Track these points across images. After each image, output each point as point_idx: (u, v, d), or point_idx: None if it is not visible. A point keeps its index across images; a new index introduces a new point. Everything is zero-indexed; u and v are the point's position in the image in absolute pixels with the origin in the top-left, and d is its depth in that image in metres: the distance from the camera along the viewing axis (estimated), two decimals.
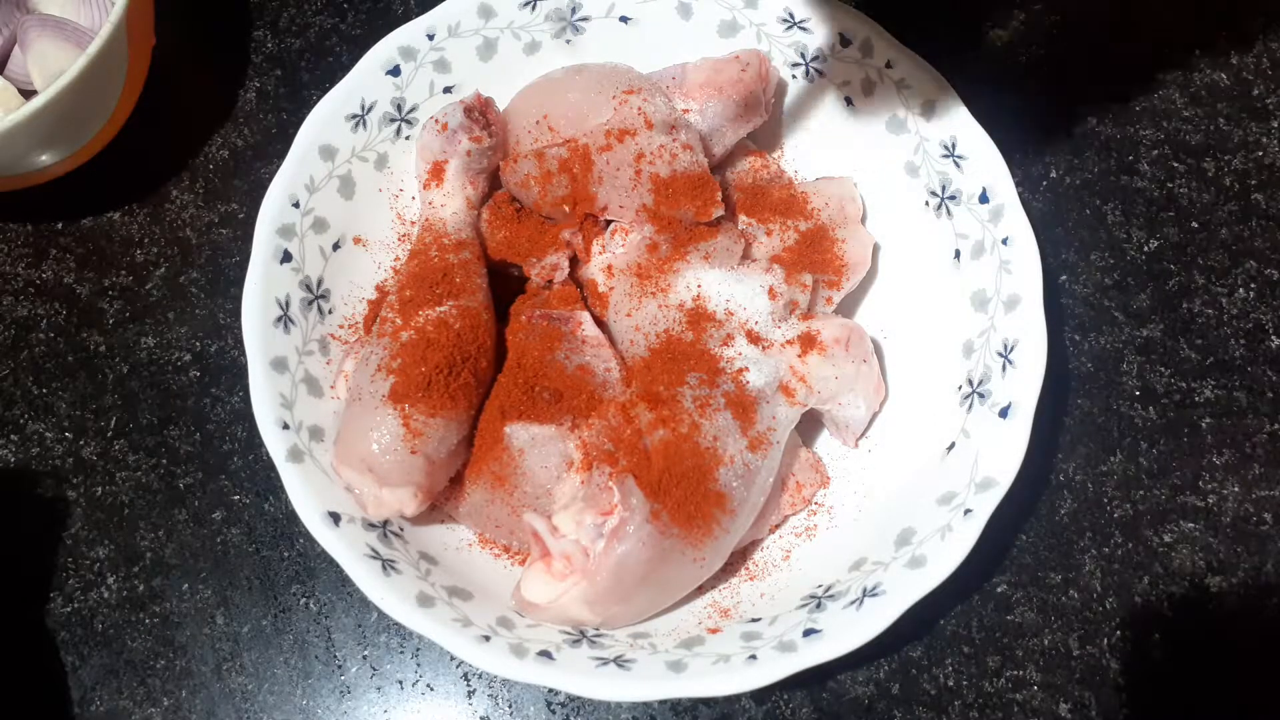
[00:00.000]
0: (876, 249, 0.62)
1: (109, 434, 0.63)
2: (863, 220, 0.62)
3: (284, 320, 0.57)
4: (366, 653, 0.59)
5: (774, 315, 0.56)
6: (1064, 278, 0.65)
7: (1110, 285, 0.65)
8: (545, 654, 0.50)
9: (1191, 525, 0.60)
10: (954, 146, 0.59)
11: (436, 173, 0.59)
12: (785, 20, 0.62)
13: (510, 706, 0.57)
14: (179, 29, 0.71)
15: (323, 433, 0.56)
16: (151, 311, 0.66)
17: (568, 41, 0.64)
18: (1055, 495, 0.61)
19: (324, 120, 0.60)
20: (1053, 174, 0.68)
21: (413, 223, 0.63)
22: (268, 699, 0.58)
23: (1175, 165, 0.68)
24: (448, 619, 0.51)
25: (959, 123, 0.59)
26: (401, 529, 0.55)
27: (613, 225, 0.59)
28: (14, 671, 0.58)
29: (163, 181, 0.69)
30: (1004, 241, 0.57)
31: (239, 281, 0.57)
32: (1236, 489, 0.61)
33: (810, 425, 0.60)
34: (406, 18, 0.63)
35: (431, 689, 0.58)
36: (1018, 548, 0.60)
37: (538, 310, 0.57)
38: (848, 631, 0.50)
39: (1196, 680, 0.57)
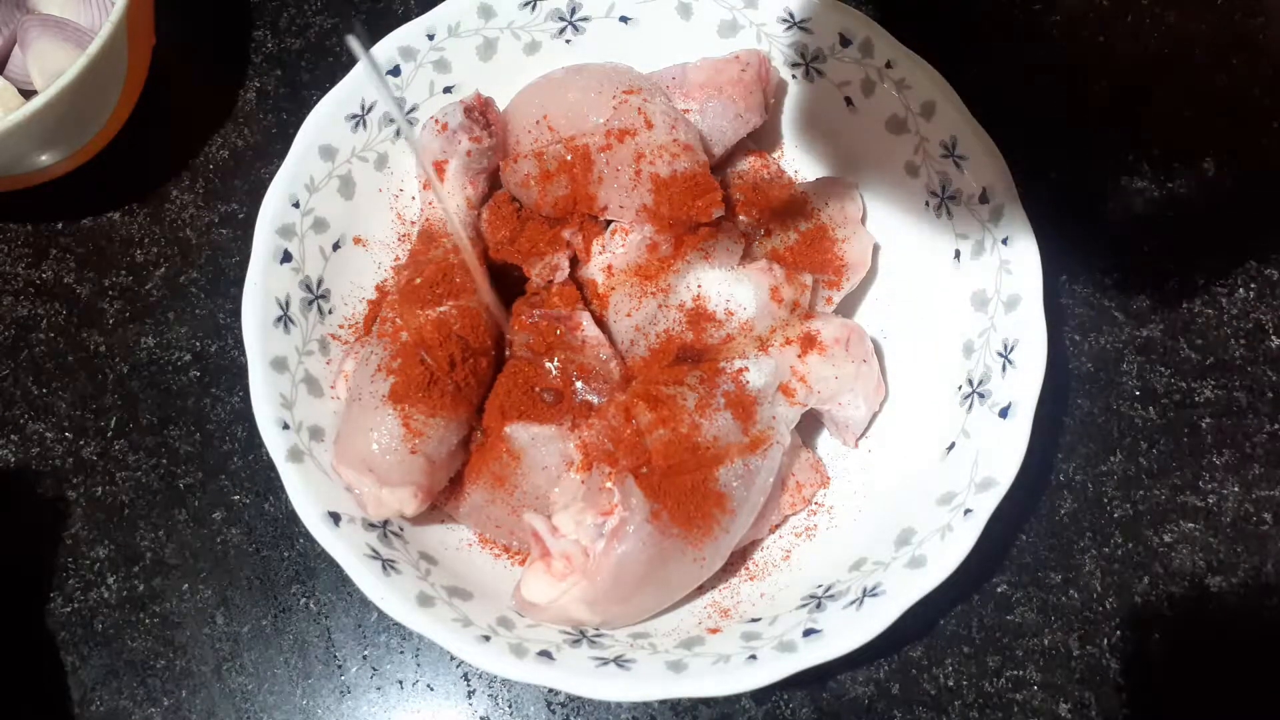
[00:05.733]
0: (876, 249, 0.62)
1: (109, 434, 0.63)
2: (863, 220, 0.62)
3: (284, 320, 0.57)
4: (366, 653, 0.59)
5: (774, 315, 0.56)
6: (1064, 278, 0.65)
7: (1110, 285, 0.65)
8: (545, 654, 0.50)
9: (1191, 525, 0.60)
10: (954, 146, 0.59)
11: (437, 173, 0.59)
12: (785, 20, 0.62)
13: (510, 706, 0.57)
14: (179, 29, 0.71)
15: (323, 433, 0.56)
16: (151, 311, 0.66)
17: (568, 41, 0.64)
18: (1055, 495, 0.61)
19: (324, 120, 0.60)
20: (1053, 174, 0.67)
21: (413, 223, 0.63)
22: (268, 699, 0.58)
23: (1176, 164, 0.68)
24: (448, 619, 0.51)
25: (959, 123, 0.59)
26: (401, 529, 0.55)
27: (613, 225, 0.59)
28: (14, 671, 0.58)
29: (163, 181, 0.69)
30: (1004, 241, 0.57)
31: (239, 281, 0.57)
32: (1236, 489, 0.61)
33: (810, 425, 0.60)
34: (406, 18, 0.63)
35: (431, 689, 0.58)
36: (1018, 548, 0.60)
37: (538, 310, 0.57)
38: (848, 631, 0.50)
39: (1196, 680, 0.57)
